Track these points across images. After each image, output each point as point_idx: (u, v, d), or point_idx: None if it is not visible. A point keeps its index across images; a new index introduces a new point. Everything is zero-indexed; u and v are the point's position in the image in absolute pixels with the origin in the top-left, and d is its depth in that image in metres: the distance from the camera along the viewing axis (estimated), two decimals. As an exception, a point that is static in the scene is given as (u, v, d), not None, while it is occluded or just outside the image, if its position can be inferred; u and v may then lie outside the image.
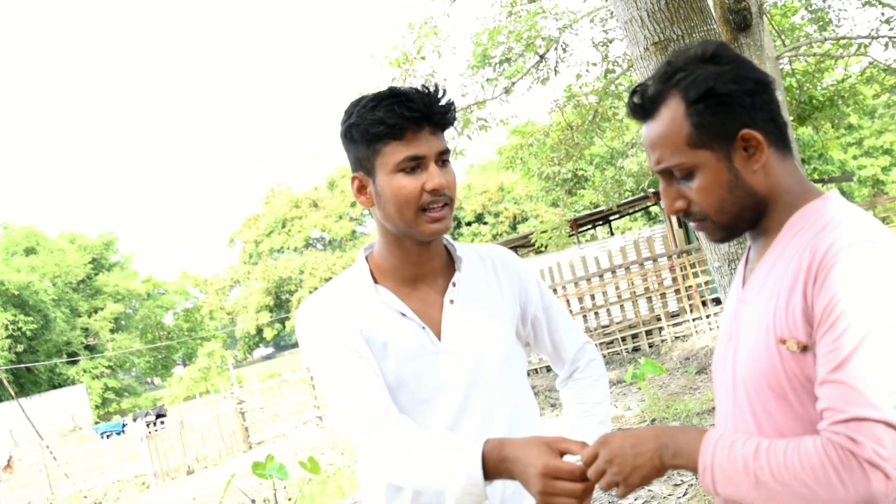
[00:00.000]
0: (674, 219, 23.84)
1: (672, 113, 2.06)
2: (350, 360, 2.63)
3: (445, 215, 2.61)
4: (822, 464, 1.74)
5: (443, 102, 2.58)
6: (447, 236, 2.86)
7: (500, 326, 2.77)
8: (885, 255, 1.84)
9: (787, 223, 2.07)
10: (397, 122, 2.52)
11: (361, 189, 2.68)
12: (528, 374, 22.86)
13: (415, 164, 2.55)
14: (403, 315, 2.70)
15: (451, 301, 2.74)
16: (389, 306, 2.70)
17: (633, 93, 2.14)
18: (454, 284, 2.76)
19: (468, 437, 2.45)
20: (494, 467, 2.31)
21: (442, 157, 2.60)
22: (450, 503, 2.37)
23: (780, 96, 14.85)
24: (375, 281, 2.75)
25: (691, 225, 2.18)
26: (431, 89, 2.59)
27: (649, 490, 8.87)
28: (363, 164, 2.63)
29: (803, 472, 1.76)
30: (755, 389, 2.01)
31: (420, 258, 2.72)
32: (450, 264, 2.83)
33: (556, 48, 20.30)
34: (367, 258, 2.81)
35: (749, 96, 2.03)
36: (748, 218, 2.10)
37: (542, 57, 20.24)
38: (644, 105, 2.11)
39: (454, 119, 2.65)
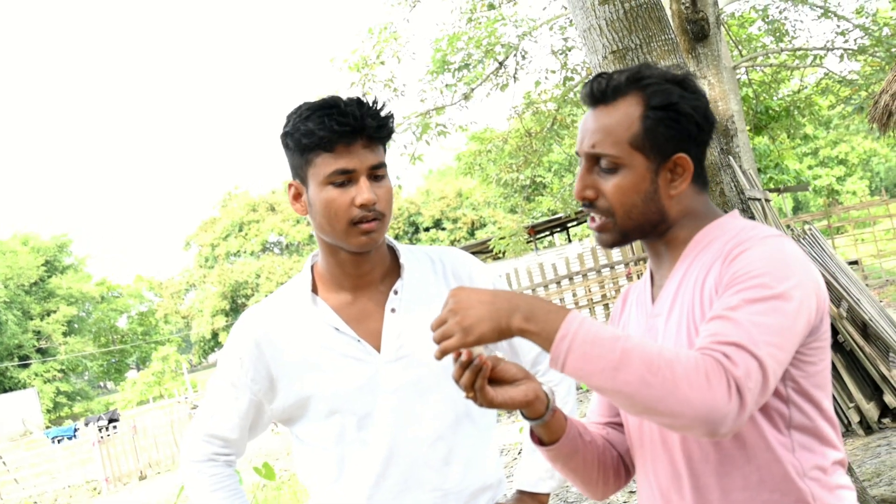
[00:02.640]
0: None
1: (628, 108, 2.07)
2: (233, 395, 2.76)
3: (376, 228, 2.57)
4: (696, 365, 1.72)
5: (378, 116, 2.56)
6: (393, 240, 2.83)
7: None
8: (792, 245, 1.93)
9: (696, 236, 2.10)
10: (327, 134, 2.49)
11: (297, 196, 2.68)
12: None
13: (345, 178, 2.53)
14: (338, 329, 2.67)
15: (392, 310, 2.71)
16: (328, 323, 2.68)
17: (598, 77, 2.13)
18: (395, 292, 2.73)
19: None
20: None
21: (375, 172, 2.58)
22: None
23: (737, 106, 14.95)
24: (316, 292, 2.74)
25: (589, 224, 2.17)
26: (370, 101, 2.57)
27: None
28: (298, 173, 2.63)
29: (677, 363, 1.73)
30: None
31: (358, 268, 2.69)
32: (395, 270, 2.79)
33: (515, 55, 20.38)
34: (312, 266, 2.80)
35: (697, 129, 2.07)
36: (646, 231, 2.11)
37: (501, 63, 20.32)
38: (605, 91, 2.11)
39: (391, 133, 2.63)
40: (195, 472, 2.81)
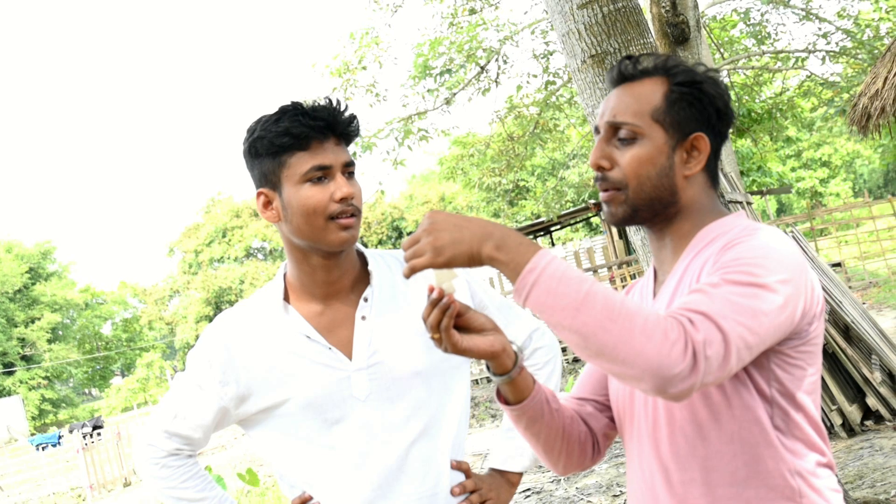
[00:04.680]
0: (614, 230, 24.01)
1: (653, 85, 2.10)
2: (199, 396, 2.76)
3: (354, 224, 2.61)
4: (657, 321, 1.72)
5: (346, 115, 2.62)
6: (361, 247, 2.84)
7: (416, 338, 2.72)
8: (791, 244, 1.93)
9: (699, 233, 2.11)
10: (302, 131, 2.53)
11: (267, 204, 2.67)
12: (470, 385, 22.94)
13: (321, 174, 2.57)
14: (309, 337, 2.68)
15: (363, 317, 2.71)
16: (296, 328, 2.69)
17: (625, 59, 2.16)
18: (365, 300, 2.73)
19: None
20: None
21: (348, 169, 2.63)
22: None
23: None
24: (288, 300, 2.75)
25: (600, 195, 2.17)
26: (336, 102, 2.62)
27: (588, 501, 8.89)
28: (269, 179, 2.64)
29: (638, 315, 1.72)
30: None
31: (329, 275, 2.70)
32: (365, 277, 2.80)
33: (496, 59, 20.40)
34: (284, 275, 2.80)
35: (717, 115, 2.11)
36: (657, 209, 2.11)
37: (483, 68, 20.32)
38: (633, 73, 2.14)
39: (357, 131, 2.69)
40: (158, 468, 2.80)
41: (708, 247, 2.05)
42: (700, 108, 2.08)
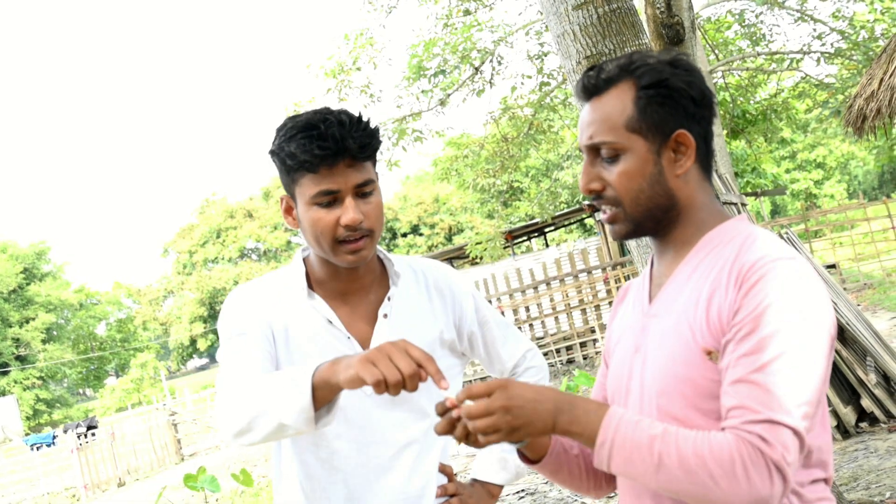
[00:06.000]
0: (608, 231, 23.98)
1: (621, 94, 2.06)
2: (248, 341, 2.60)
3: (364, 246, 2.57)
4: (731, 458, 1.74)
5: (363, 134, 2.52)
6: (382, 249, 2.83)
7: (429, 344, 2.73)
8: (805, 273, 1.89)
9: (702, 239, 2.08)
10: (308, 158, 2.48)
11: (289, 210, 2.67)
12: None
13: (329, 199, 2.53)
14: (330, 322, 2.67)
15: (385, 315, 2.72)
16: (319, 312, 2.68)
17: (590, 69, 2.13)
18: (389, 299, 2.74)
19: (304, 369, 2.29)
20: (324, 384, 2.20)
21: (362, 189, 2.56)
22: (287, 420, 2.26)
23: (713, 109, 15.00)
24: (311, 286, 2.73)
25: (600, 216, 2.17)
26: (353, 119, 2.54)
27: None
28: (288, 189, 2.63)
29: (712, 461, 1.75)
30: (667, 399, 2.00)
31: (349, 276, 2.70)
32: (384, 278, 2.80)
33: (491, 60, 20.40)
34: (304, 260, 2.78)
35: (694, 104, 2.06)
36: (658, 217, 2.09)
37: (477, 69, 20.31)
38: (597, 84, 2.10)
39: (376, 149, 2.60)
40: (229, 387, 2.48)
41: (711, 255, 2.03)
42: (673, 105, 2.04)
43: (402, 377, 2.03)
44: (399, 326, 2.73)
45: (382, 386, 2.03)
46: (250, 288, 2.76)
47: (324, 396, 2.24)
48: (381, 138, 2.64)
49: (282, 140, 2.54)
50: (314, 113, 2.56)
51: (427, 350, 2.72)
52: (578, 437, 1.89)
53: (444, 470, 2.79)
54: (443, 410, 1.94)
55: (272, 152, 2.59)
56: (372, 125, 2.57)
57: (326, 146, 2.47)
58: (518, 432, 1.87)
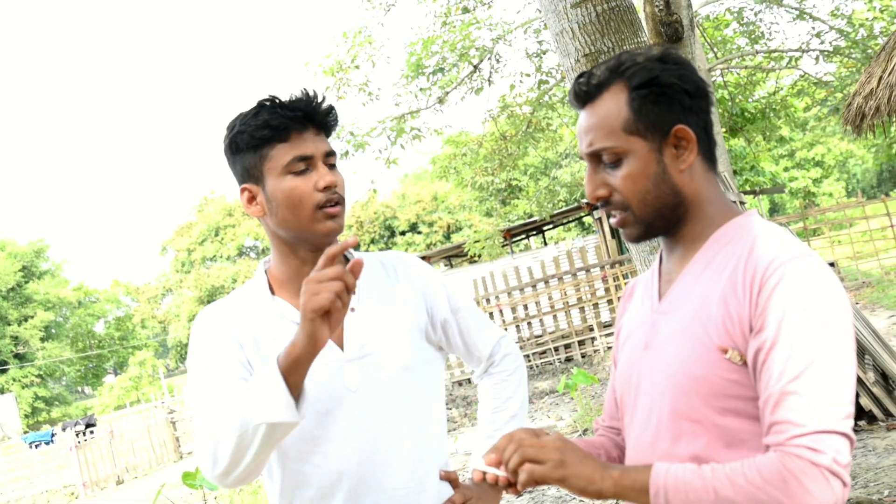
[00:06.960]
0: (607, 229, 24.01)
1: (614, 97, 2.06)
2: (223, 364, 2.57)
3: (339, 212, 2.60)
4: (782, 477, 1.74)
5: (324, 105, 2.61)
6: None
7: (403, 334, 2.74)
8: (819, 270, 1.88)
9: (713, 235, 2.07)
10: (281, 122, 2.53)
11: (251, 199, 2.66)
12: (452, 385, 22.93)
13: (304, 165, 2.56)
14: (296, 323, 2.64)
15: (352, 309, 2.70)
16: (286, 317, 2.67)
17: (580, 77, 2.12)
18: (354, 292, 2.71)
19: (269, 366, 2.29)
20: (292, 365, 2.23)
21: (329, 160, 2.62)
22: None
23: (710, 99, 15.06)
24: (273, 292, 2.73)
25: (610, 221, 2.16)
26: (314, 91, 2.62)
27: None
28: (251, 173, 2.62)
29: (767, 485, 1.75)
30: (681, 398, 2.00)
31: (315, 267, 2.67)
32: None
33: (489, 58, 20.38)
34: (265, 271, 2.78)
35: (689, 97, 2.05)
36: (668, 216, 2.08)
37: (475, 67, 20.30)
38: (589, 90, 2.10)
39: (336, 122, 2.68)
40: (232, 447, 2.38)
41: (722, 252, 2.02)
42: (667, 102, 2.03)
43: (339, 283, 2.17)
44: (369, 318, 2.71)
45: (336, 300, 2.17)
46: (212, 312, 2.73)
47: (296, 381, 2.26)
48: (338, 117, 2.70)
49: (246, 119, 2.58)
50: (270, 95, 2.63)
51: (404, 338, 2.74)
52: (629, 489, 1.90)
53: (448, 477, 2.76)
54: (480, 477, 2.06)
55: (235, 134, 2.59)
56: (328, 102, 2.64)
57: (298, 109, 2.56)
58: (574, 488, 1.93)
